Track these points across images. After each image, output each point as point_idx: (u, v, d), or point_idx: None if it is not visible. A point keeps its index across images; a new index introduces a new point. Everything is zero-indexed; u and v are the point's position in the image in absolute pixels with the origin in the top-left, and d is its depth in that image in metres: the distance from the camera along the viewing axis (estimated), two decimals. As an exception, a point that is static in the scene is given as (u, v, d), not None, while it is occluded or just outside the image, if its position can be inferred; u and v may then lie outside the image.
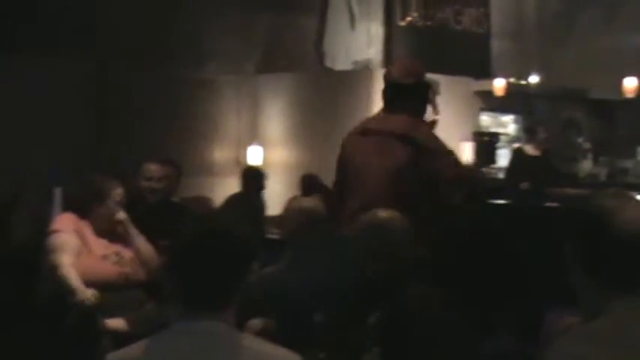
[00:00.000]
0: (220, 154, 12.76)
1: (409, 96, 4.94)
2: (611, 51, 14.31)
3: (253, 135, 13.10)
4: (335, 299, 3.76)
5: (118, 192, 5.46)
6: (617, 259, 2.36)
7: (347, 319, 3.59)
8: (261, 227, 9.14)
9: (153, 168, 6.52)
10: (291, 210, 4.91)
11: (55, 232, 5.29)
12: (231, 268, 2.45)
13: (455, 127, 13.48)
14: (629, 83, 13.44)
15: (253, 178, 10.05)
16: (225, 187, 10.48)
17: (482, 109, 14.04)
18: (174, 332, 2.50)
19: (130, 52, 11.45)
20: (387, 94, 5.03)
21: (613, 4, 15.39)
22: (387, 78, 5.07)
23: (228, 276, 2.44)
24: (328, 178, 10.00)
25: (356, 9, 13.71)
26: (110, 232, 5.45)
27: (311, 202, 5.01)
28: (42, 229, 5.56)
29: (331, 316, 3.69)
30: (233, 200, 9.71)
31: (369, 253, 3.78)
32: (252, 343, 2.51)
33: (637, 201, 2.52)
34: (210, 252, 2.43)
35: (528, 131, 12.37)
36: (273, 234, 8.92)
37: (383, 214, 4.06)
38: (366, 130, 5.10)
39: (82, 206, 5.47)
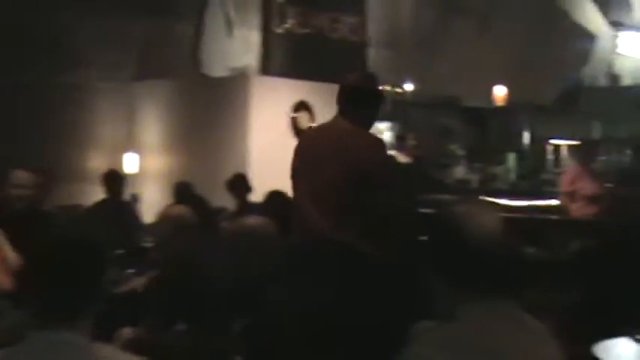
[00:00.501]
0: (96, 161, 12.56)
1: (363, 103, 5.00)
2: (483, 60, 14.64)
3: (129, 142, 12.94)
4: (199, 307, 3.74)
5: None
6: (468, 264, 2.41)
7: (210, 327, 3.57)
8: (131, 234, 9.00)
9: (21, 175, 6.38)
10: (159, 218, 4.86)
11: None
12: (84, 278, 2.41)
13: (332, 134, 13.56)
14: (500, 92, 13.79)
15: (114, 182, 9.79)
16: (100, 195, 10.28)
17: (359, 117, 14.14)
18: (30, 343, 2.45)
19: (3, 56, 11.19)
20: (341, 100, 5.07)
21: (485, 14, 15.76)
22: (344, 83, 5.13)
23: (82, 286, 2.41)
24: (206, 185, 10.01)
25: (233, 16, 13.68)
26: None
27: (179, 210, 4.96)
28: None
29: (194, 325, 3.67)
30: (96, 207, 9.52)
31: (235, 260, 3.78)
32: (108, 352, 2.48)
33: (489, 207, 2.58)
34: (62, 262, 2.39)
35: (398, 139, 12.55)
36: (148, 242, 8.83)
37: (251, 221, 4.06)
38: (320, 131, 5.21)
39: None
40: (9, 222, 5.58)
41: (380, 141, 4.99)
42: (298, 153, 5.12)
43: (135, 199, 11.71)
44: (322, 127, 5.28)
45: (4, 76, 11.19)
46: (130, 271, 6.51)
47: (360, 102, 4.99)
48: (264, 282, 3.74)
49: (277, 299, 3.60)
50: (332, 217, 4.68)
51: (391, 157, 5.14)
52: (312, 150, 5.04)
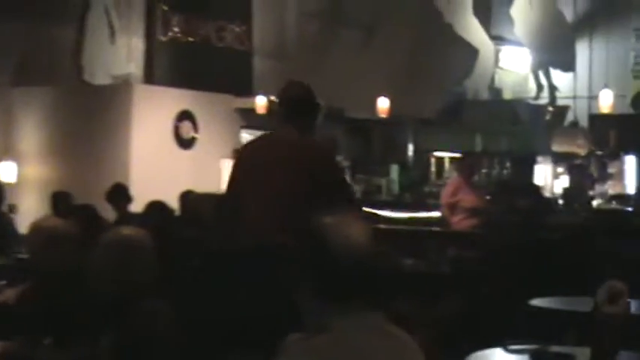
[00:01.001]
0: (-30, 169, 12.26)
1: (306, 113, 5.22)
2: (367, 71, 14.80)
3: (6, 150, 12.66)
4: (71, 320, 3.68)
5: None
6: (335, 277, 2.43)
7: (77, 341, 3.52)
8: (5, 246, 8.77)
9: None
10: (32, 229, 4.76)
11: None
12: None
13: (215, 143, 13.52)
14: (383, 103, 13.94)
15: None
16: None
17: (244, 127, 14.15)
18: None
19: None
20: (287, 111, 5.18)
21: (370, 26, 15.93)
22: (284, 95, 5.19)
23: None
24: (86, 195, 9.79)
25: (116, 22, 13.52)
26: None
27: (53, 222, 4.86)
28: None
29: (60, 339, 3.61)
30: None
31: (108, 271, 3.73)
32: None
33: (359, 219, 2.60)
34: None
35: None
36: (24, 253, 8.64)
37: (125, 231, 4.02)
38: (270, 141, 5.30)
39: None
40: None
41: (330, 151, 5.15)
42: (247, 160, 5.24)
43: (12, 209, 11.44)
44: (271, 137, 5.38)
45: None
46: (2, 282, 6.36)
47: (304, 112, 5.19)
48: (139, 294, 3.72)
49: (151, 311, 3.57)
50: (281, 222, 4.76)
51: (340, 166, 5.36)
52: (263, 158, 5.14)
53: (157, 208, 7.87)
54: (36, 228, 4.70)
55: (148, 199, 8.25)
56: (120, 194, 9.63)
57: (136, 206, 9.20)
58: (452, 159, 15.56)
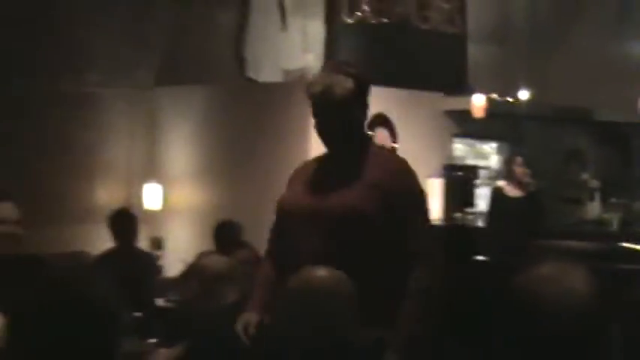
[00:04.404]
0: (106, 193, 12.62)
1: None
2: (620, 61, 14.56)
3: (150, 168, 13.13)
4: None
5: None
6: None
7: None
8: (146, 292, 9.17)
9: (5, 208, 6.50)
10: (191, 271, 4.90)
11: None
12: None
13: (419, 157, 13.52)
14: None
15: (122, 225, 9.90)
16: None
17: (456, 135, 14.07)
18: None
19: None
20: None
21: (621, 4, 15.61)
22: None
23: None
24: (253, 224, 9.84)
25: (288, 2, 13.69)
26: None
27: (220, 262, 4.97)
28: None
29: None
30: (101, 258, 9.68)
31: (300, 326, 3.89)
32: None
33: (582, 271, 2.68)
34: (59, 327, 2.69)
35: (505, 164, 12.44)
36: (171, 301, 9.07)
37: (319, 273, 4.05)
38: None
39: None
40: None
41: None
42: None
43: (156, 244, 12.00)
44: None
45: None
46: (151, 340, 6.65)
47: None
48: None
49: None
50: None
51: None
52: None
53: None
54: (195, 271, 4.83)
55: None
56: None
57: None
58: None
